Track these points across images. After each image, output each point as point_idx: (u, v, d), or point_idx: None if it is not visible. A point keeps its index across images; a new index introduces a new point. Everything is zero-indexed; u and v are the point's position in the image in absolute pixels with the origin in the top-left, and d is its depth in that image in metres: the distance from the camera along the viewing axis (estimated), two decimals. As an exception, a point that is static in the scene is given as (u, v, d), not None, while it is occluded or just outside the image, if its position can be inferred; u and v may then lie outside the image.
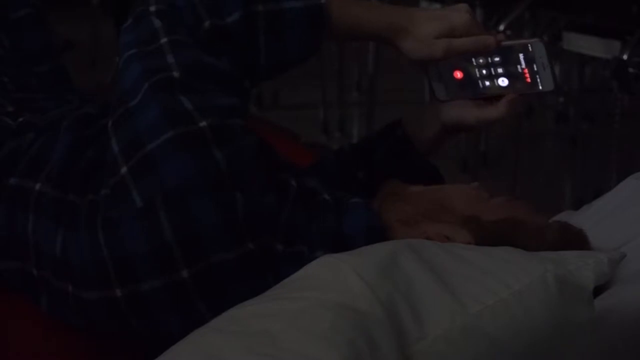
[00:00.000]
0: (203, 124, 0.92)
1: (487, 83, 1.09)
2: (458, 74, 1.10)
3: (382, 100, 2.94)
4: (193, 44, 0.99)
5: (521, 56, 1.07)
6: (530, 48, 1.07)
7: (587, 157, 2.58)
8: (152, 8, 1.01)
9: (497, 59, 1.08)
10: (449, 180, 1.20)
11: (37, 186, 1.01)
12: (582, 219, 1.14)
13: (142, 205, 0.91)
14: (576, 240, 1.01)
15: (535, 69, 1.07)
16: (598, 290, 0.90)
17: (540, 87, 1.08)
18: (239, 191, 0.92)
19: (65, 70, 1.34)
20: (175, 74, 0.95)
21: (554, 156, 2.98)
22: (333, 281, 0.83)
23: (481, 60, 1.08)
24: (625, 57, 1.99)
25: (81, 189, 0.98)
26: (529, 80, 1.08)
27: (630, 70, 1.98)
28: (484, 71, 1.09)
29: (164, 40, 0.98)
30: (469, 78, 1.09)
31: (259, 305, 0.84)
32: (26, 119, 1.09)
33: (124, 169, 0.93)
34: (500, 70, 1.08)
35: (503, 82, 1.09)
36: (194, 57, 0.98)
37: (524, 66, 1.07)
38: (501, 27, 2.34)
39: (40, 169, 1.02)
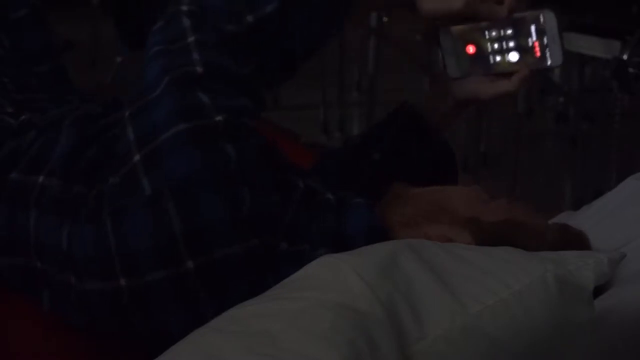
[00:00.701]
0: (219, 118, 0.93)
1: (498, 58, 1.10)
2: (470, 49, 1.10)
3: (382, 100, 2.95)
4: (220, 45, 0.99)
5: (532, 28, 1.08)
6: (541, 19, 1.08)
7: (587, 157, 2.58)
8: (184, 7, 1.01)
9: (509, 31, 1.09)
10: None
11: (40, 179, 1.01)
12: (582, 219, 1.14)
13: (150, 194, 0.91)
14: (576, 241, 1.01)
15: (546, 42, 1.08)
16: (598, 290, 0.90)
17: (549, 62, 1.09)
18: (247, 188, 0.92)
19: (65, 70, 1.34)
20: (199, 69, 0.96)
21: (554, 156, 2.98)
22: (333, 281, 0.83)
23: (494, 34, 1.09)
24: (625, 57, 1.99)
25: (86, 181, 0.98)
26: (538, 54, 1.09)
27: (630, 70, 1.98)
28: (496, 45, 1.09)
29: (191, 39, 0.99)
30: (481, 53, 1.10)
31: (259, 305, 0.84)
32: (27, 119, 1.09)
33: (136, 157, 0.93)
34: (511, 44, 1.09)
35: (513, 57, 1.09)
36: (218, 58, 0.98)
37: (534, 39, 1.08)
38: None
39: (41, 168, 1.02)
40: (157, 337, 0.92)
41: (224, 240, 0.91)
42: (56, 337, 1.04)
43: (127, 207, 0.92)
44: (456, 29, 1.10)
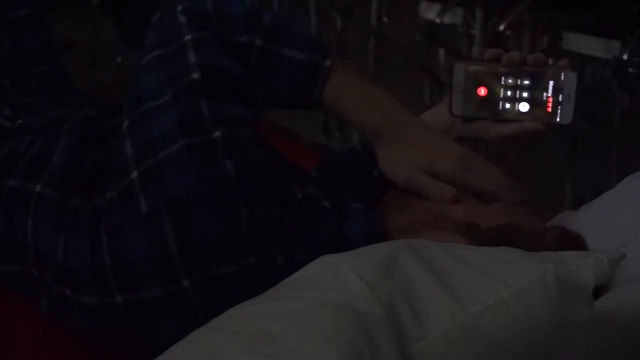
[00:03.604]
0: (217, 134, 0.92)
1: (508, 106, 1.07)
2: (482, 91, 1.07)
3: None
4: (217, 42, 0.99)
5: (551, 83, 1.06)
6: (562, 77, 1.05)
7: (587, 157, 2.58)
8: (179, 7, 1.01)
9: (526, 82, 1.06)
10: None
11: (38, 188, 1.00)
12: (582, 219, 1.14)
13: (147, 211, 0.91)
14: (575, 243, 1.01)
15: (560, 99, 1.05)
16: (598, 291, 0.90)
17: (558, 119, 1.06)
18: (245, 203, 0.92)
19: (65, 70, 1.34)
20: (195, 75, 0.95)
21: (554, 156, 2.98)
22: (333, 281, 0.83)
23: (510, 81, 1.06)
24: (625, 57, 1.99)
25: (83, 193, 0.98)
26: (549, 110, 1.06)
27: (630, 70, 1.98)
28: (509, 92, 1.07)
29: (187, 37, 0.98)
30: (492, 97, 1.07)
31: (259, 305, 0.84)
32: (24, 121, 1.09)
33: (134, 174, 0.93)
34: (525, 95, 1.06)
35: (523, 107, 1.07)
36: (215, 58, 0.98)
37: (549, 94, 1.06)
38: (501, 27, 2.34)
39: (41, 171, 1.02)
40: (157, 340, 0.92)
41: (222, 257, 0.91)
42: (56, 337, 1.04)
43: (123, 223, 0.92)
44: (473, 67, 1.07)
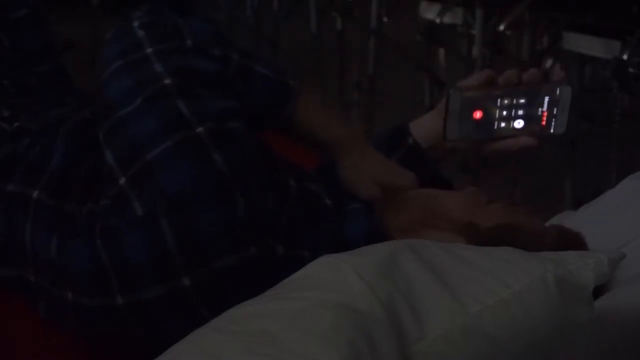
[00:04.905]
0: (200, 129, 0.92)
1: (503, 124, 1.08)
2: (478, 114, 1.08)
3: (382, 101, 2.94)
4: (180, 49, 0.99)
5: (546, 99, 1.06)
6: (557, 92, 1.06)
7: (587, 157, 2.58)
8: (135, 23, 1.02)
9: (522, 100, 1.06)
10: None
11: (35, 194, 1.00)
12: (582, 219, 1.14)
13: (142, 213, 0.90)
14: (575, 242, 1.01)
15: (555, 112, 1.06)
16: (598, 291, 0.90)
17: (552, 130, 1.07)
18: (240, 194, 0.92)
19: (65, 70, 1.34)
20: (167, 81, 0.96)
21: (554, 156, 2.98)
22: (333, 281, 0.83)
23: (506, 102, 1.07)
24: (625, 57, 1.99)
25: (80, 198, 0.98)
26: (544, 123, 1.07)
27: (630, 70, 1.98)
28: (505, 112, 1.07)
29: (149, 50, 0.99)
30: (488, 119, 1.08)
31: (259, 305, 0.84)
32: (22, 124, 1.09)
33: (122, 180, 0.93)
34: (520, 112, 1.07)
35: (518, 124, 1.07)
36: (182, 63, 0.98)
37: (544, 109, 1.06)
38: (501, 27, 2.34)
39: (40, 174, 1.02)
40: (157, 340, 0.92)
41: (221, 252, 0.91)
42: (56, 337, 1.04)
43: (119, 227, 0.92)
44: (468, 93, 1.07)
